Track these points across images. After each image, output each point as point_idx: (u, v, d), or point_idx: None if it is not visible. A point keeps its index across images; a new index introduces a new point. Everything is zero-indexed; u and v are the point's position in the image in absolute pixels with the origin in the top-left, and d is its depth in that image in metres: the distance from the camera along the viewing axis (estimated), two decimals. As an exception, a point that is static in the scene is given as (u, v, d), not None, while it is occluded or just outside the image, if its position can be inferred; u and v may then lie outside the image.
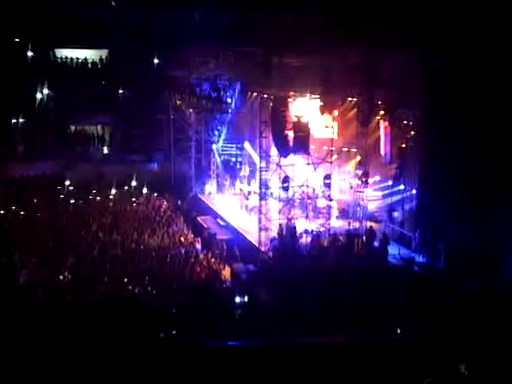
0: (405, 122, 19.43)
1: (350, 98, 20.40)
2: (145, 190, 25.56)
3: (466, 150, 17.56)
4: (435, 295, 15.08)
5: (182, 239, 20.08)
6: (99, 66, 30.58)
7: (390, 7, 19.40)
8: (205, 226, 21.86)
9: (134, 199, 24.61)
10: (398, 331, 12.36)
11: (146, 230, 20.49)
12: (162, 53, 28.23)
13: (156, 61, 29.21)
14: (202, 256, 18.59)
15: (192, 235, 20.64)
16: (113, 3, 28.54)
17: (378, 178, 21.21)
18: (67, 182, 25.54)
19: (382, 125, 19.99)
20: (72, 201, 23.73)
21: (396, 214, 20.29)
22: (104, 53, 30.54)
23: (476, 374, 8.27)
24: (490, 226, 16.90)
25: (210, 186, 26.04)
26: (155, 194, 25.38)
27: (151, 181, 26.29)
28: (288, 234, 18.62)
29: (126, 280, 16.09)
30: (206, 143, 26.53)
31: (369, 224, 19.60)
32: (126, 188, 26.02)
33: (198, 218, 22.78)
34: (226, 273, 17.95)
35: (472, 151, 17.47)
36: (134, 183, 26.20)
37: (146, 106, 28.31)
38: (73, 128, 29.96)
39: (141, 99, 28.39)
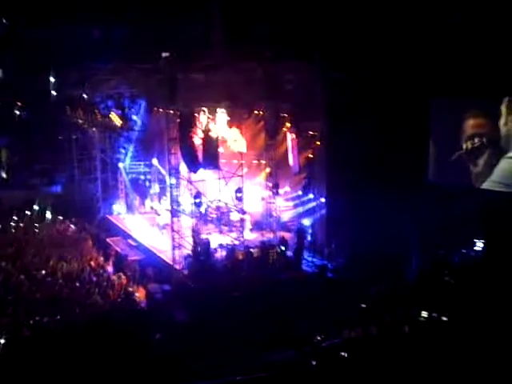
0: (310, 132, 19.98)
1: (256, 112, 20.66)
2: (49, 215, 24.33)
3: (366, 157, 18.34)
4: (348, 300, 15.46)
5: (92, 263, 19.25)
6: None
7: (288, 20, 19.92)
8: (115, 247, 21.14)
9: (37, 224, 23.33)
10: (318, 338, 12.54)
11: (53, 256, 19.47)
12: (61, 71, 27.15)
13: (53, 79, 28.01)
14: (113, 279, 17.94)
15: (102, 258, 19.86)
16: (3, 20, 27.12)
17: (288, 188, 21.60)
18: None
19: (289, 136, 20.41)
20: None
21: (306, 223, 20.71)
22: (-3, 71, 28.88)
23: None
24: (395, 230, 17.65)
25: (119, 206, 25.28)
26: (60, 218, 24.22)
27: (55, 204, 25.07)
28: (202, 250, 18.44)
29: (32, 310, 15.15)
30: (113, 162, 25.78)
31: (282, 234, 19.88)
32: (28, 213, 24.61)
33: (108, 240, 21.99)
34: (141, 294, 17.43)
35: (371, 158, 18.30)
36: (36, 208, 24.86)
37: (46, 126, 27.03)
38: (-35, 152, 28.06)
39: (40, 119, 27.08)
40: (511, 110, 16.54)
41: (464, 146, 17.82)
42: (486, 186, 17.54)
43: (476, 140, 17.43)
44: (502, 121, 16.81)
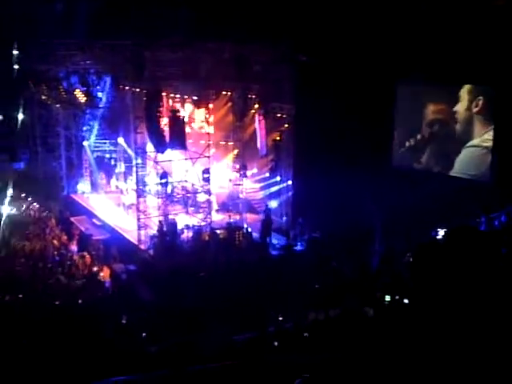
0: (278, 114, 19.98)
1: (224, 92, 20.50)
2: (10, 192, 23.77)
3: (332, 140, 18.49)
4: (313, 280, 15.68)
5: (55, 242, 19.01)
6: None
7: (256, 3, 19.74)
8: (79, 226, 20.88)
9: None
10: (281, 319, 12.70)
11: (15, 234, 19.12)
12: (24, 45, 26.31)
13: (16, 53, 27.13)
14: (77, 258, 17.76)
15: (66, 237, 19.61)
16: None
17: (255, 170, 21.63)
18: None
19: (257, 118, 20.37)
20: None
21: (273, 205, 20.82)
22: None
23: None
24: (360, 214, 17.89)
25: (84, 185, 24.91)
26: (23, 196, 23.72)
27: (17, 181, 24.51)
28: (168, 231, 18.38)
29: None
30: (77, 140, 25.29)
31: (249, 216, 19.96)
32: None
33: (72, 219, 21.70)
34: (105, 274, 17.32)
35: (338, 141, 18.46)
36: (-3, 184, 24.26)
37: (8, 101, 26.26)
38: None
39: (1, 95, 26.27)
40: (474, 96, 16.81)
41: (407, 144, 18.22)
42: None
43: (419, 136, 17.82)
44: (464, 105, 16.96)
